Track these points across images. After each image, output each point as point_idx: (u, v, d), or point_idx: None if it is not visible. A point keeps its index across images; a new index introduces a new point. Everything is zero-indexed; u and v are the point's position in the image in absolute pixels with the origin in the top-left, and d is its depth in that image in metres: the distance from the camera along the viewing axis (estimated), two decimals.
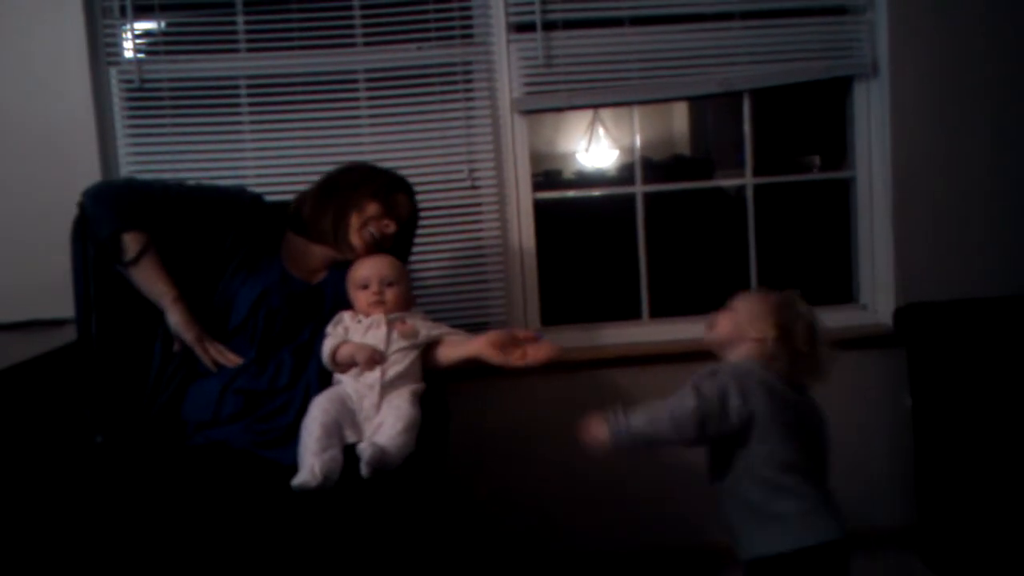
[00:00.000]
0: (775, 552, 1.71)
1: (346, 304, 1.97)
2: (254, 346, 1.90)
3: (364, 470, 1.61)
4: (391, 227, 2.03)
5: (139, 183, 2.01)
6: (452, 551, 1.57)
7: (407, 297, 1.99)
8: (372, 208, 2.01)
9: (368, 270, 1.95)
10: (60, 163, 2.47)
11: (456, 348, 1.94)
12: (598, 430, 1.70)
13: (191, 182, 2.09)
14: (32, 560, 1.55)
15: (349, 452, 1.67)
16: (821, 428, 1.83)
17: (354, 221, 2.00)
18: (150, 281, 1.88)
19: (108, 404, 1.91)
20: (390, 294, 1.93)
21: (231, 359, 1.88)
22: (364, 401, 1.79)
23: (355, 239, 2.00)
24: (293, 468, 1.64)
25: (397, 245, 2.09)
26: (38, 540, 1.58)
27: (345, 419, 1.75)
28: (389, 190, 2.06)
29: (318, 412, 1.73)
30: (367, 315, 1.91)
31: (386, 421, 1.74)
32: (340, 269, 2.02)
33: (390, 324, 1.89)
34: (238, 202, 2.06)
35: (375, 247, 2.02)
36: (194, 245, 1.95)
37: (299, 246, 2.06)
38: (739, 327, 1.79)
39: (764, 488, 1.71)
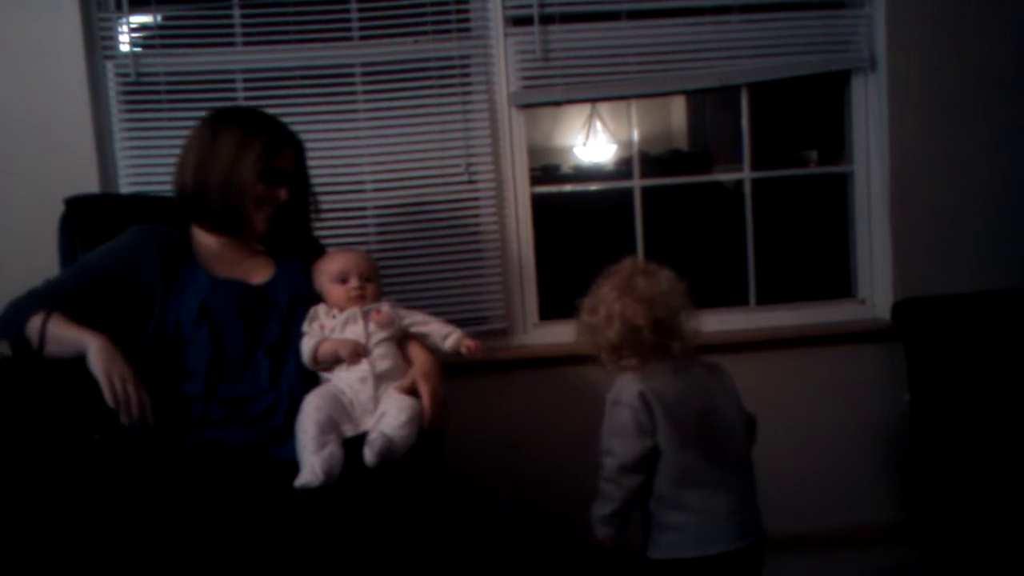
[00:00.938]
0: (673, 557, 1.75)
1: (304, 297, 1.95)
2: (210, 360, 1.83)
3: (371, 459, 1.61)
4: (285, 194, 1.98)
5: (35, 288, 1.89)
6: (454, 543, 1.57)
7: (380, 291, 1.98)
8: (261, 188, 1.93)
9: (345, 264, 1.93)
10: (56, 157, 2.46)
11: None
12: (598, 533, 1.78)
13: (89, 255, 1.96)
14: (31, 558, 1.54)
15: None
16: (722, 422, 1.80)
17: (250, 207, 1.94)
18: (64, 344, 1.76)
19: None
20: (370, 289, 1.92)
21: (147, 411, 1.74)
22: (360, 395, 1.78)
23: (259, 225, 1.98)
24: (294, 464, 1.64)
25: (296, 200, 2.05)
26: (36, 538, 1.57)
27: (340, 414, 1.75)
28: (271, 156, 1.95)
29: (311, 410, 1.72)
30: (342, 309, 1.89)
31: (388, 412, 1.74)
32: (286, 265, 2.00)
33: (365, 316, 1.88)
34: (134, 244, 1.94)
35: (277, 220, 2.00)
36: (117, 306, 1.87)
37: (208, 243, 1.98)
38: (594, 342, 1.79)
39: (661, 503, 1.74)
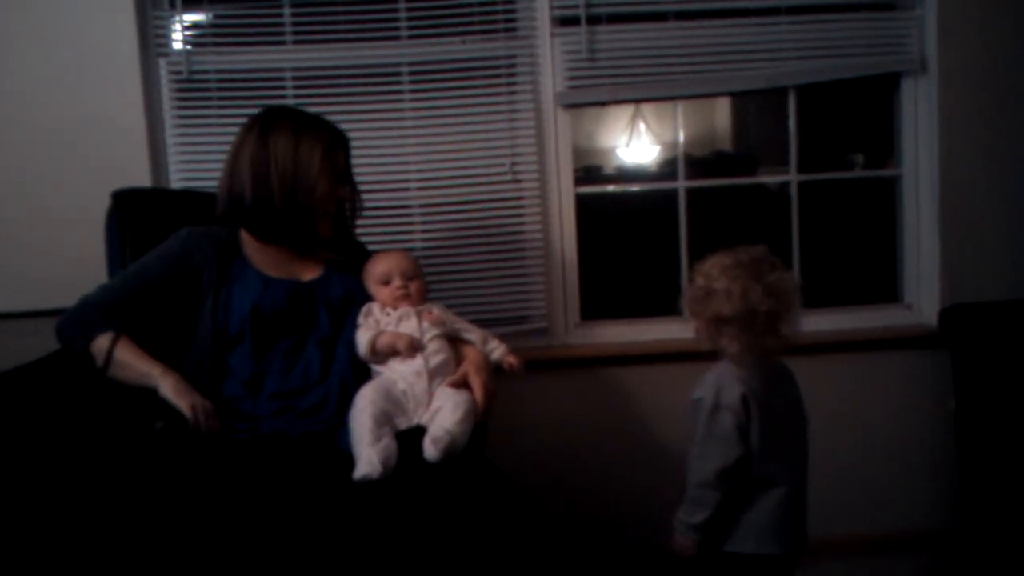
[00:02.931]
0: (741, 551, 1.74)
1: (355, 297, 1.97)
2: (254, 356, 1.86)
3: (436, 455, 1.63)
4: (347, 194, 2.02)
5: (92, 294, 1.92)
6: (496, 534, 1.57)
7: (425, 290, 2.00)
8: (326, 190, 1.93)
9: (388, 265, 1.96)
10: (109, 152, 2.51)
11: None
12: (681, 541, 1.75)
13: (144, 260, 1.97)
14: (93, 546, 1.57)
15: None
16: (800, 424, 1.82)
17: (318, 211, 1.94)
18: (130, 371, 1.80)
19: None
20: (414, 287, 1.94)
21: (213, 427, 1.76)
22: (415, 388, 1.80)
23: (324, 230, 1.99)
24: (346, 455, 1.67)
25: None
26: (100, 525, 1.61)
27: (393, 408, 1.77)
28: (332, 157, 1.96)
29: (366, 404, 1.73)
30: (394, 308, 1.92)
31: (444, 407, 1.75)
32: (336, 268, 2.02)
33: (419, 314, 1.90)
34: (188, 244, 1.96)
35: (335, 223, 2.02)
36: (172, 306, 1.91)
37: (260, 248, 1.98)
38: (701, 310, 1.76)
39: (738, 494, 1.73)
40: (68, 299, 1.93)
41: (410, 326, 1.88)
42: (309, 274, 1.99)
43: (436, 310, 1.95)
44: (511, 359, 1.95)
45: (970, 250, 2.70)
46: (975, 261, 2.70)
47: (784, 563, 1.74)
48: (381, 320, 1.90)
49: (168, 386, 1.77)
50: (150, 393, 1.80)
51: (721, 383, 1.72)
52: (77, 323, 1.87)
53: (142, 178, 2.51)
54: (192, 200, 2.31)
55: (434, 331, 1.89)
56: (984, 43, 2.66)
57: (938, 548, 2.70)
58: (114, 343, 1.81)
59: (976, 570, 2.55)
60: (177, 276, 1.91)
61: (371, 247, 2.16)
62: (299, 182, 1.89)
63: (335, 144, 1.97)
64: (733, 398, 1.69)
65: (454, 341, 1.95)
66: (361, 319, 1.91)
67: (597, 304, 2.84)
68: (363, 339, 1.86)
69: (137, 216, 2.15)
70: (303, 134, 1.92)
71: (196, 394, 1.77)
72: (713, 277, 1.74)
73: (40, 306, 2.25)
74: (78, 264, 2.22)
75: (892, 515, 2.75)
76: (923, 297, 2.80)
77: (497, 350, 1.96)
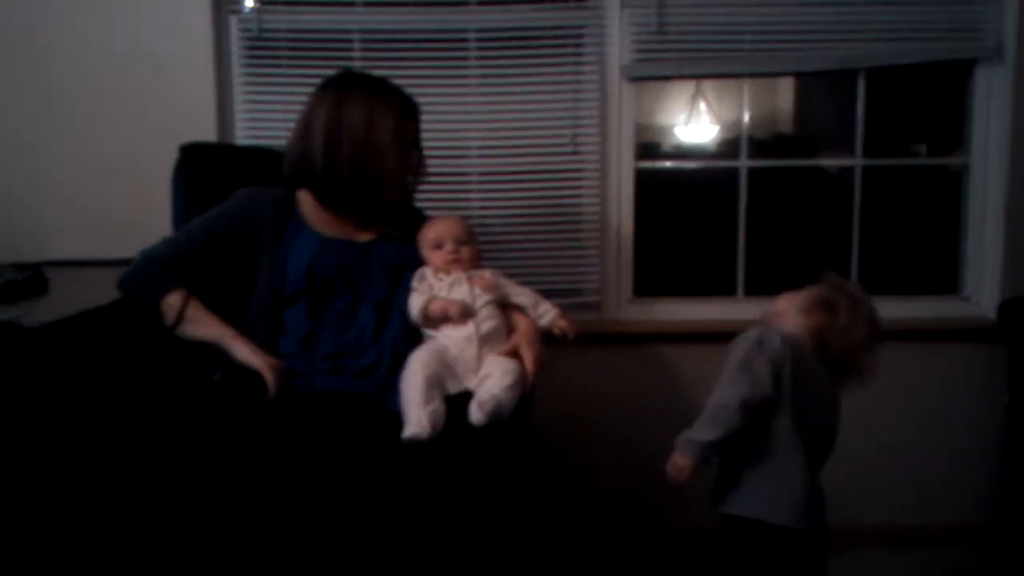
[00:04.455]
0: (746, 515, 1.74)
1: (411, 261, 1.99)
2: (310, 315, 1.89)
3: (482, 419, 1.66)
4: (418, 160, 2.03)
5: (157, 249, 1.95)
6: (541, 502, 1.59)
7: (478, 254, 2.00)
8: (397, 156, 1.94)
9: (440, 230, 1.96)
10: (178, 107, 2.55)
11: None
12: (679, 460, 1.72)
13: (203, 218, 1.99)
14: (147, 492, 1.62)
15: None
16: (836, 422, 1.82)
17: (386, 176, 1.94)
18: (202, 330, 1.84)
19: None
20: (465, 252, 1.95)
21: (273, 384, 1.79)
22: (465, 353, 1.82)
23: (391, 194, 1.99)
24: (396, 414, 1.69)
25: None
26: (154, 472, 1.65)
27: (445, 371, 1.79)
28: (405, 123, 1.96)
29: (418, 366, 1.76)
30: (447, 273, 1.93)
31: (493, 373, 1.77)
32: (390, 234, 2.03)
33: (471, 280, 1.91)
34: (247, 202, 1.98)
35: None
36: (231, 262, 1.94)
37: (318, 209, 1.98)
38: (795, 310, 1.81)
39: (754, 460, 1.73)
40: (130, 250, 1.97)
41: (462, 291, 1.89)
42: (364, 236, 2.00)
43: (488, 274, 1.95)
44: (562, 323, 1.95)
45: None
46: None
47: (806, 541, 1.74)
48: (434, 285, 1.91)
49: (242, 348, 1.82)
50: (208, 346, 1.84)
51: (768, 331, 1.73)
52: (145, 278, 1.90)
53: (208, 134, 2.54)
54: (258, 157, 2.34)
55: (485, 297, 1.90)
56: None
57: (986, 542, 2.68)
58: (186, 302, 1.85)
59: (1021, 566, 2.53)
60: (237, 234, 1.94)
61: (428, 212, 2.17)
62: (370, 152, 1.90)
63: (408, 113, 1.97)
64: (776, 342, 1.69)
65: (507, 307, 1.96)
66: (415, 283, 1.93)
67: (651, 281, 2.84)
68: (416, 304, 1.88)
69: (204, 170, 2.18)
70: (378, 103, 1.92)
71: (268, 355, 1.82)
72: (852, 297, 1.80)
73: (103, 255, 2.31)
74: (143, 215, 2.27)
75: (939, 506, 2.73)
76: (983, 290, 2.76)
77: (548, 314, 1.96)
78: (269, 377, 1.76)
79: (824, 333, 1.75)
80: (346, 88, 1.94)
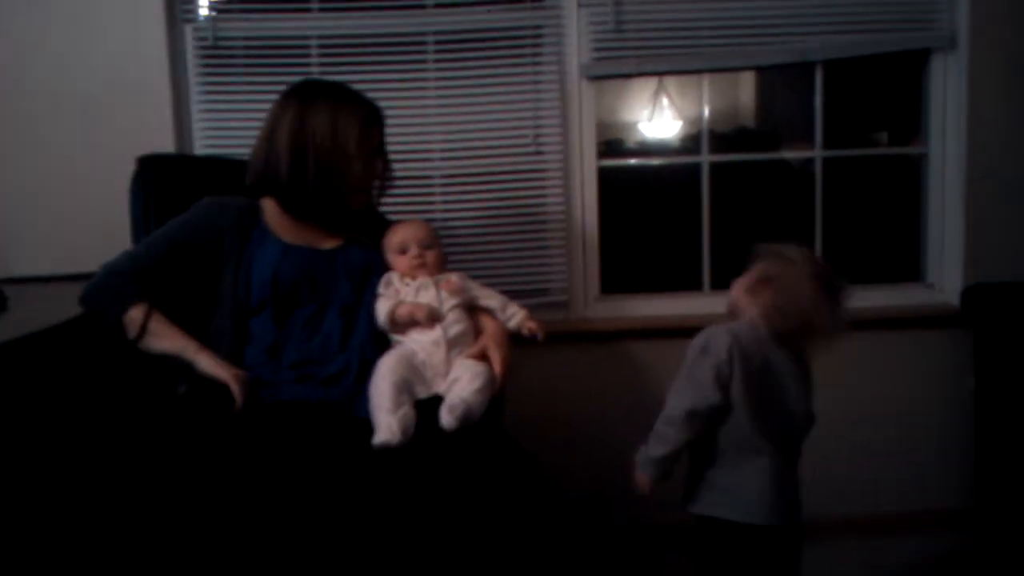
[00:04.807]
0: (714, 515, 1.75)
1: (376, 267, 1.98)
2: (277, 322, 1.87)
3: (452, 423, 1.65)
4: (382, 168, 2.01)
5: (118, 263, 1.91)
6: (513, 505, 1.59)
7: (443, 258, 2.00)
8: (363, 164, 1.94)
9: (404, 235, 1.96)
10: (134, 118, 2.51)
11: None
12: (638, 476, 1.77)
13: (166, 228, 1.96)
14: (115, 508, 1.60)
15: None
16: (801, 409, 1.80)
17: (352, 183, 1.94)
18: (165, 343, 1.82)
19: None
20: (430, 256, 1.94)
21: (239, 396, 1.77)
22: (433, 358, 1.81)
23: (357, 202, 1.99)
24: (365, 421, 1.68)
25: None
26: (121, 487, 1.63)
27: (413, 376, 1.78)
28: (370, 131, 1.96)
29: (387, 371, 1.75)
30: (412, 278, 1.92)
31: (462, 377, 1.76)
32: (352, 242, 2.01)
33: (437, 284, 1.91)
34: (210, 211, 1.96)
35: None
36: (194, 272, 1.91)
37: (281, 216, 1.97)
38: (743, 294, 1.78)
39: (715, 462, 1.73)
40: (92, 264, 1.95)
41: (428, 296, 1.88)
42: (329, 243, 1.99)
43: (455, 278, 1.95)
44: (531, 324, 1.95)
45: (994, 230, 2.69)
46: (999, 241, 2.68)
47: (777, 536, 1.74)
48: (400, 290, 1.91)
49: (206, 360, 1.80)
50: (172, 358, 1.82)
51: (716, 332, 1.73)
52: (107, 293, 1.87)
53: (166, 144, 2.51)
54: (217, 167, 2.32)
55: (452, 301, 1.90)
56: (1016, 20, 2.62)
57: (957, 528, 2.70)
58: (148, 316, 1.83)
59: (994, 550, 2.55)
60: (200, 243, 1.92)
61: (392, 217, 2.16)
62: (336, 160, 1.89)
63: (372, 121, 1.97)
64: (720, 347, 1.69)
65: (474, 310, 1.96)
66: (381, 289, 1.92)
67: (617, 278, 2.85)
68: (383, 309, 1.87)
69: (162, 181, 2.16)
70: (342, 111, 1.91)
71: (233, 366, 1.80)
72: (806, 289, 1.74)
73: (64, 270, 2.28)
74: (102, 229, 2.24)
75: (911, 494, 2.75)
76: (945, 276, 2.79)
77: (516, 316, 1.96)
78: (235, 388, 1.74)
79: (775, 307, 1.72)
80: (310, 96, 1.93)
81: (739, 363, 1.69)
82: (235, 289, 1.89)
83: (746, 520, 1.72)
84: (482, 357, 1.84)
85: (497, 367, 1.83)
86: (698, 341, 1.74)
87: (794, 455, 1.80)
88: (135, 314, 1.83)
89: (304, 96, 1.93)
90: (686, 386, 1.72)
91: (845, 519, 2.65)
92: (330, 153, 1.88)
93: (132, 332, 1.82)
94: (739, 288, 1.81)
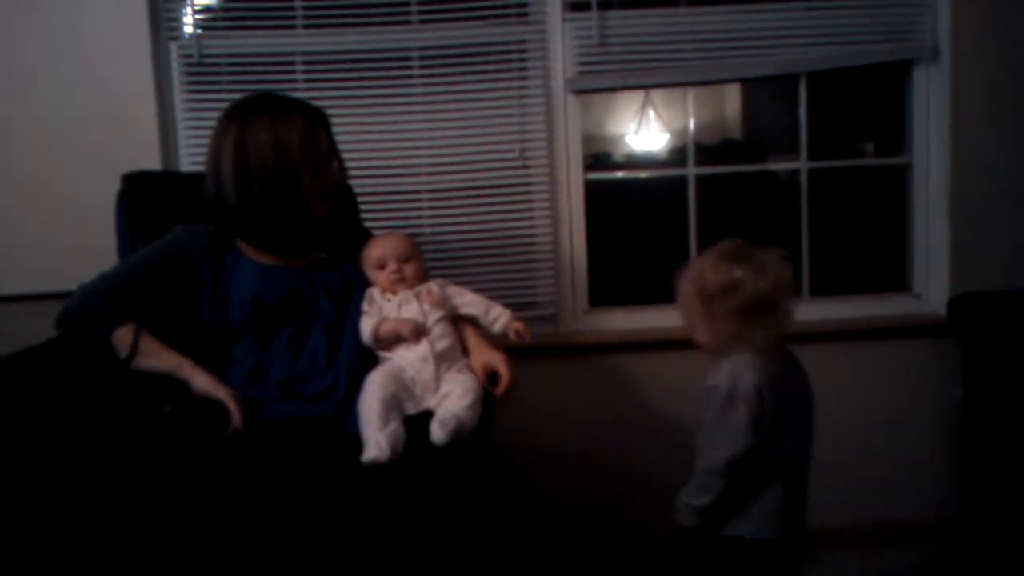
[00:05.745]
0: (747, 536, 1.74)
1: (356, 282, 1.97)
2: (258, 346, 1.85)
3: (443, 439, 1.64)
4: (338, 168, 1.96)
5: (95, 284, 1.88)
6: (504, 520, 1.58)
7: (424, 269, 1.98)
8: (309, 166, 1.87)
9: (382, 249, 1.94)
10: (120, 136, 2.51)
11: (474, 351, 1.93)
12: (683, 521, 1.77)
13: (141, 252, 1.95)
14: (100, 527, 1.58)
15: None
16: (808, 408, 1.81)
17: (304, 190, 1.87)
18: (158, 362, 1.78)
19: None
20: (409, 270, 1.92)
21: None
22: (422, 374, 1.81)
23: (318, 208, 1.93)
24: (355, 436, 1.68)
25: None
26: (107, 508, 1.62)
27: (402, 392, 1.77)
28: (313, 134, 1.89)
29: (375, 388, 1.74)
30: (393, 293, 1.91)
31: (453, 392, 1.76)
32: (324, 264, 2.00)
33: (418, 297, 1.90)
34: (184, 236, 1.93)
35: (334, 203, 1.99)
36: (173, 300, 1.87)
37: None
38: (708, 329, 1.74)
39: (748, 484, 1.72)
40: (73, 283, 1.93)
41: (412, 310, 1.87)
42: (301, 262, 1.96)
43: (435, 287, 1.94)
44: (516, 325, 1.94)
45: (979, 239, 2.70)
46: (984, 250, 2.69)
47: (785, 549, 1.74)
48: (383, 306, 1.90)
49: (201, 378, 1.77)
50: (158, 378, 1.80)
51: (737, 372, 1.69)
52: (89, 314, 1.83)
53: (152, 162, 2.51)
54: (202, 183, 2.31)
55: (437, 314, 1.89)
56: (997, 31, 2.64)
57: (945, 538, 2.70)
58: (137, 335, 1.79)
59: (982, 560, 2.55)
60: (175, 266, 1.88)
61: (379, 232, 2.16)
62: (281, 173, 1.83)
63: (315, 124, 1.90)
64: (748, 388, 1.67)
65: (457, 320, 1.95)
66: (364, 306, 1.91)
67: (606, 291, 2.85)
68: (367, 326, 1.86)
69: (147, 199, 2.15)
70: (280, 122, 1.84)
71: (227, 385, 1.78)
72: (723, 271, 1.71)
73: (48, 289, 2.27)
74: (88, 247, 2.23)
75: (899, 504, 2.75)
76: (932, 286, 2.79)
77: (501, 319, 1.95)
78: (233, 408, 1.72)
79: (746, 319, 1.69)
80: (247, 114, 1.87)
81: (768, 397, 1.68)
82: (215, 317, 1.86)
83: (769, 536, 1.72)
84: (484, 372, 1.85)
85: (506, 377, 1.84)
86: (722, 384, 1.70)
87: (809, 457, 1.80)
88: (123, 334, 1.79)
89: (241, 115, 1.88)
90: (722, 434, 1.69)
91: (834, 529, 2.65)
92: (274, 166, 1.82)
93: (123, 352, 1.78)
94: (706, 326, 1.76)
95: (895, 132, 2.87)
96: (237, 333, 1.86)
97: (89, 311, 1.84)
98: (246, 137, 1.83)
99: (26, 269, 2.46)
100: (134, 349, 1.78)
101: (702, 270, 1.74)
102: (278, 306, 1.87)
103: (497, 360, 1.86)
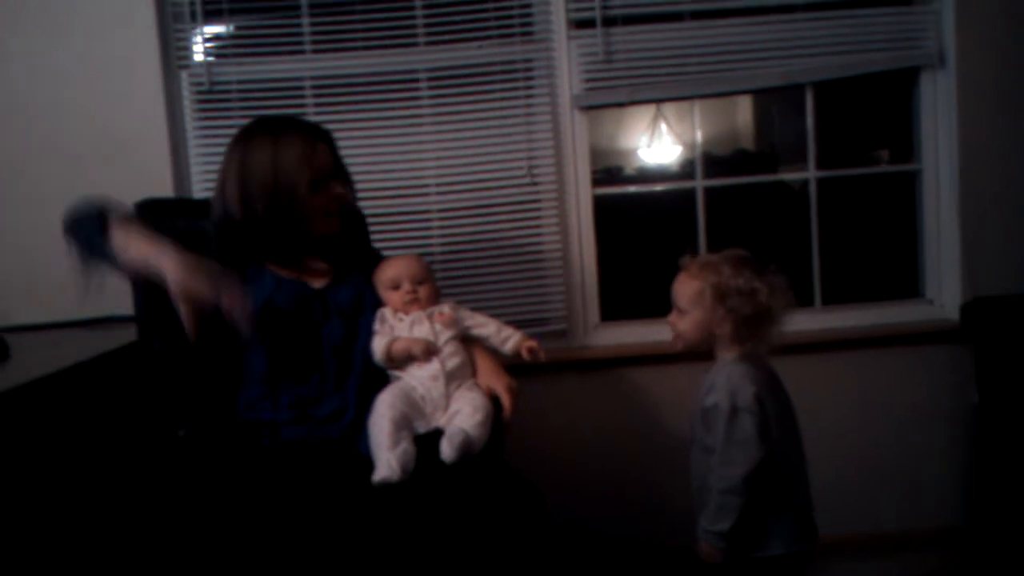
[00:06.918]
0: (768, 554, 1.74)
1: (367, 302, 1.97)
2: (267, 353, 1.86)
3: (452, 455, 1.64)
4: (340, 188, 1.96)
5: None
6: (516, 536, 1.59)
7: (437, 291, 2.00)
8: (307, 185, 1.88)
9: (397, 271, 1.96)
10: (132, 164, 2.54)
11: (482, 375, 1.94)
12: (707, 550, 1.74)
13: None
14: (117, 551, 1.60)
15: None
16: (795, 418, 1.82)
17: (306, 209, 1.89)
18: (140, 244, 1.75)
19: (189, 398, 1.92)
20: (422, 291, 1.94)
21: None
22: (432, 392, 1.82)
23: (322, 227, 1.95)
24: (366, 458, 1.69)
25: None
26: (123, 532, 1.64)
27: (413, 411, 1.79)
28: (311, 152, 1.90)
29: (385, 408, 1.75)
30: (406, 313, 1.93)
31: (463, 410, 1.77)
32: (348, 274, 2.01)
33: (431, 318, 1.92)
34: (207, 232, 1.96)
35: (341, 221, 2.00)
36: None
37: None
38: (700, 324, 1.77)
39: (766, 501, 1.72)
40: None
41: (423, 330, 1.89)
42: (319, 282, 1.98)
43: (447, 309, 1.96)
44: (529, 343, 1.95)
45: (990, 244, 2.69)
46: (996, 255, 2.68)
47: (804, 559, 1.74)
48: (395, 326, 1.91)
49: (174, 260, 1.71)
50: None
51: (733, 385, 1.71)
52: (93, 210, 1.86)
53: (165, 189, 2.54)
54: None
55: (448, 334, 1.91)
56: (1002, 36, 2.64)
57: (959, 545, 2.68)
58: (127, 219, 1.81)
59: (996, 567, 2.53)
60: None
61: (389, 253, 2.17)
62: (280, 190, 1.86)
63: (314, 141, 1.92)
64: (749, 398, 1.68)
65: (468, 341, 1.96)
66: (376, 326, 1.93)
67: (617, 305, 2.85)
68: (379, 346, 1.88)
69: (160, 225, 2.17)
70: (280, 141, 1.88)
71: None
72: (745, 277, 1.73)
73: (63, 318, 2.30)
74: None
75: (912, 511, 2.74)
76: (944, 292, 2.79)
77: (512, 339, 1.97)
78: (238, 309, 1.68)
79: (746, 327, 1.73)
80: (249, 135, 1.92)
81: (769, 404, 1.69)
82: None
83: (798, 548, 1.73)
84: (487, 393, 1.85)
85: (507, 404, 1.84)
86: (722, 402, 1.71)
87: (807, 472, 1.81)
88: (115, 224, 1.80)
89: (245, 136, 1.93)
90: (733, 452, 1.69)
91: (847, 537, 2.63)
92: (273, 181, 1.85)
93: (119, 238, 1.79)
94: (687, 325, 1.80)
95: (908, 138, 2.87)
96: (250, 340, 1.85)
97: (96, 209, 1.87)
98: (248, 156, 1.88)
99: (42, 299, 2.48)
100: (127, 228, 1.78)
101: (721, 268, 1.75)
102: (286, 315, 1.87)
103: (500, 387, 1.87)
